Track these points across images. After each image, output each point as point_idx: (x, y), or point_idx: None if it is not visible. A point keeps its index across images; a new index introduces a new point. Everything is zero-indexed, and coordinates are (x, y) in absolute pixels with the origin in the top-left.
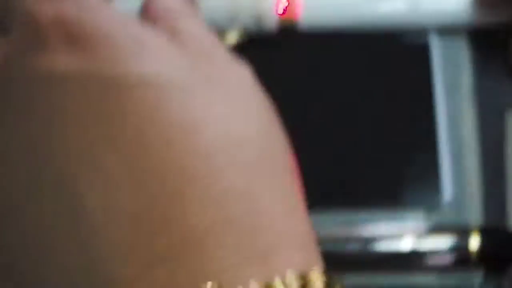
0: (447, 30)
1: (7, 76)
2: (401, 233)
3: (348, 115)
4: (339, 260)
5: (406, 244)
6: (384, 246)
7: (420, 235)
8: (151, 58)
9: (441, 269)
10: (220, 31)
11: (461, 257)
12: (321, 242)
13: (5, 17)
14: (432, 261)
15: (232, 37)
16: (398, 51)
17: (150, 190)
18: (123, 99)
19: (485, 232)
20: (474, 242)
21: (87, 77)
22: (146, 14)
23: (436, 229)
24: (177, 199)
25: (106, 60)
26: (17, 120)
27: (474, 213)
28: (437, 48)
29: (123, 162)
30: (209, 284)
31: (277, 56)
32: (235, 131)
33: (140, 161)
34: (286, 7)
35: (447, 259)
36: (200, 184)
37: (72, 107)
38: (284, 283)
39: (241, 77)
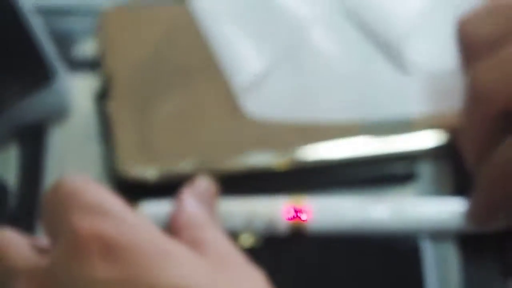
0: (437, 235)
1: (52, 283)
2: None
3: None
4: None
5: None
6: None
7: None
8: (176, 268)
9: None
10: (236, 235)
11: None
12: None
13: (55, 234)
14: None
15: (247, 240)
16: (393, 254)
17: None
18: None
19: None
20: None
21: (121, 285)
22: (173, 224)
23: None
24: None
25: (137, 271)
26: None
27: None
28: (428, 250)
29: None
30: None
31: (287, 256)
32: None
33: None
34: (295, 213)
35: None
36: None
37: None
38: None
39: (255, 281)
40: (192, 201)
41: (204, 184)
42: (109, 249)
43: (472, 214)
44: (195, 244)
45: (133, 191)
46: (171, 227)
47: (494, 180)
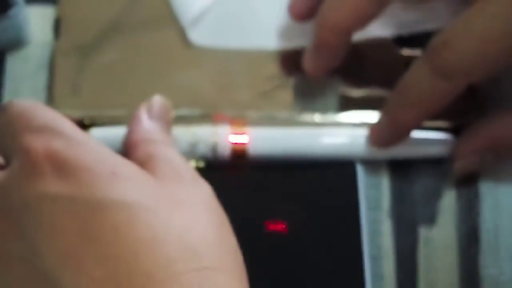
0: (371, 161)
1: (6, 198)
2: None
3: (292, 224)
4: None
5: None
6: None
7: None
8: (123, 185)
9: None
10: None
11: None
12: None
13: (6, 152)
14: None
15: (192, 164)
16: (330, 178)
17: None
18: (99, 219)
19: None
20: None
21: (71, 200)
22: (129, 139)
23: None
24: None
25: (86, 187)
26: (14, 232)
27: None
28: (362, 175)
29: (101, 271)
30: None
31: (230, 178)
32: (193, 242)
33: (114, 269)
34: (236, 137)
35: None
36: (161, 286)
37: (59, 222)
38: None
39: (202, 195)
40: (148, 117)
41: (159, 101)
42: (60, 166)
43: (373, 137)
44: (148, 159)
45: None
46: (126, 143)
47: (399, 104)
